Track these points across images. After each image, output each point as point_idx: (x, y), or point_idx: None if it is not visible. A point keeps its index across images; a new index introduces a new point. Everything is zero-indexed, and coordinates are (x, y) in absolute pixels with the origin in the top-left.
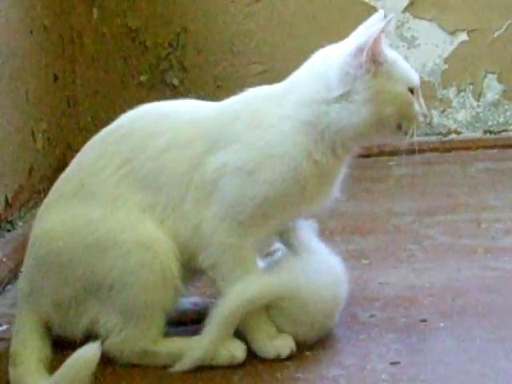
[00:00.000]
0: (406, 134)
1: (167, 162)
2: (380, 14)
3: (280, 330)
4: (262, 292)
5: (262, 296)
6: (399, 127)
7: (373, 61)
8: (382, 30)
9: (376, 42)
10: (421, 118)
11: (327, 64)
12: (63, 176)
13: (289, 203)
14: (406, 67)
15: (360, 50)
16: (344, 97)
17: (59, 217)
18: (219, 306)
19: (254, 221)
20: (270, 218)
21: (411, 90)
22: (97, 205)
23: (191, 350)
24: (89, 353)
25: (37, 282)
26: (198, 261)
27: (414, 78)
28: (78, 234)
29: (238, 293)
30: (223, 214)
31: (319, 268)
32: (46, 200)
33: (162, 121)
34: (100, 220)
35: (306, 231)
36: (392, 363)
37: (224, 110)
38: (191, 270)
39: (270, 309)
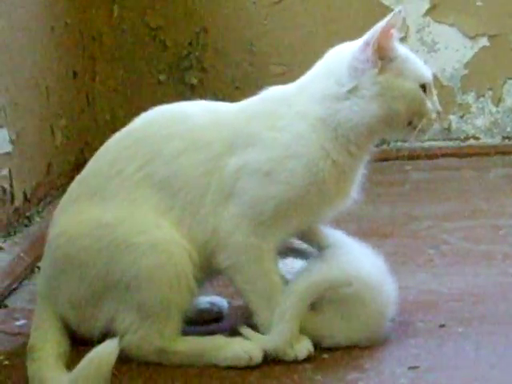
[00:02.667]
0: (414, 129)
1: (183, 166)
2: (398, 11)
3: (333, 328)
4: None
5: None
6: (410, 123)
7: (380, 55)
8: (389, 24)
9: (383, 35)
10: (433, 115)
11: (338, 60)
12: (79, 178)
13: (308, 203)
14: (418, 63)
15: (367, 43)
16: (353, 92)
17: (75, 219)
18: (287, 296)
19: (273, 222)
20: (289, 218)
21: (423, 87)
22: (113, 207)
23: (262, 343)
24: (108, 349)
25: (54, 282)
26: (217, 262)
27: (427, 75)
28: (94, 235)
29: (311, 280)
30: (242, 215)
31: (372, 265)
32: (62, 202)
33: (178, 123)
34: (116, 222)
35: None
36: (411, 368)
37: (239, 112)
38: (209, 271)
39: (326, 305)
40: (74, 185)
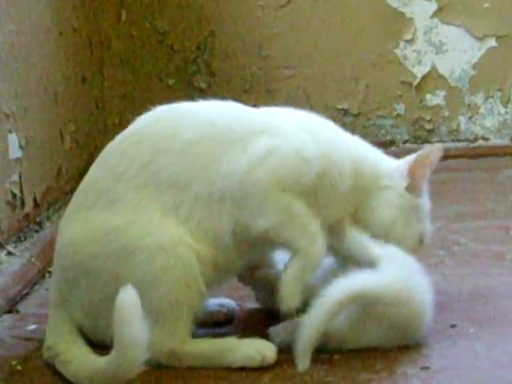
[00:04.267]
0: None
1: (196, 156)
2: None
3: (364, 329)
4: (369, 290)
5: (367, 294)
6: None
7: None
8: (426, 155)
9: (418, 163)
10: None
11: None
12: (81, 187)
13: None
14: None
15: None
16: (389, 189)
17: (81, 227)
18: (323, 297)
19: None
20: None
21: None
22: (118, 211)
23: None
24: (126, 295)
25: (65, 291)
26: (252, 230)
27: (428, 235)
28: (101, 242)
29: (347, 285)
30: (270, 174)
31: (412, 273)
32: (67, 211)
33: (185, 119)
34: (122, 226)
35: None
36: (423, 368)
37: (253, 111)
38: (228, 265)
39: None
40: (77, 194)
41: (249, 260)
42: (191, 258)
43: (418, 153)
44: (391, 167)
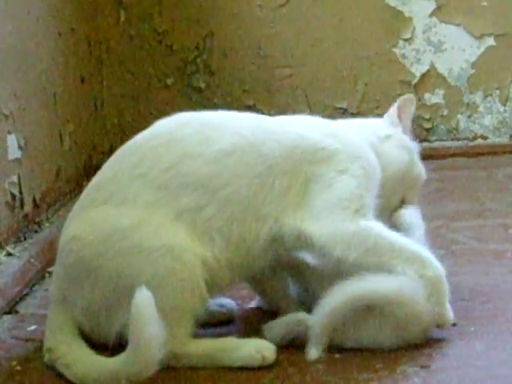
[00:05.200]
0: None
1: (232, 165)
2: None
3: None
4: (375, 292)
5: (373, 297)
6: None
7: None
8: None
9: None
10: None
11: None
12: (93, 183)
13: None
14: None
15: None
16: (390, 137)
17: (88, 224)
18: (329, 297)
19: (361, 205)
20: (370, 199)
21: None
22: (130, 210)
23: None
24: (142, 295)
25: (67, 289)
26: (334, 259)
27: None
28: (109, 239)
29: (351, 287)
30: (330, 211)
31: None
32: (75, 206)
33: (219, 127)
34: (132, 225)
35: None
36: (422, 367)
37: (291, 123)
38: (247, 271)
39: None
40: (88, 190)
41: (264, 264)
42: (196, 264)
43: (397, 103)
44: (381, 122)
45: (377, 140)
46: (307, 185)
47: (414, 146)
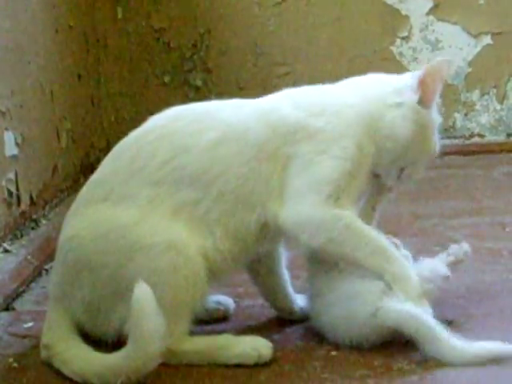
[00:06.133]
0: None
1: (221, 155)
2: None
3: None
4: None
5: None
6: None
7: (422, 90)
8: (438, 66)
9: (429, 74)
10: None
11: (394, 78)
12: (92, 180)
13: (360, 174)
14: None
15: (416, 76)
16: (400, 107)
17: (88, 221)
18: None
19: (338, 190)
20: (350, 185)
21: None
22: (130, 207)
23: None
24: (141, 290)
25: (67, 286)
26: (301, 242)
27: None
28: (109, 237)
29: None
30: (307, 192)
31: None
32: (74, 204)
33: (207, 118)
34: (132, 222)
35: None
36: (419, 364)
37: (277, 102)
38: (247, 257)
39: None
40: (87, 187)
41: (261, 252)
42: (198, 258)
43: (427, 65)
44: (400, 84)
45: (383, 107)
46: (287, 167)
47: (433, 119)
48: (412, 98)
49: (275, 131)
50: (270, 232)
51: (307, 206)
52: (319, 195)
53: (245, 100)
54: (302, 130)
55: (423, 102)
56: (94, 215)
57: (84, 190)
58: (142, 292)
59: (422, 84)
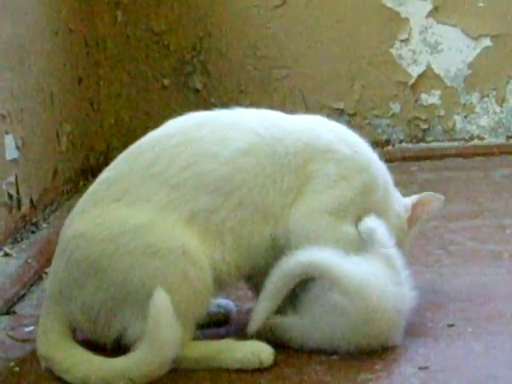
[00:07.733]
0: None
1: (245, 165)
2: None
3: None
4: (320, 264)
5: (317, 268)
6: None
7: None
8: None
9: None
10: None
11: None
12: (105, 178)
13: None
14: None
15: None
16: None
17: (97, 221)
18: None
19: (346, 211)
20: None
21: None
22: (144, 209)
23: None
24: (159, 297)
25: (67, 286)
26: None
27: None
28: (121, 239)
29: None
30: (321, 210)
31: (389, 279)
32: (81, 202)
33: (233, 128)
34: (146, 225)
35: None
36: (421, 368)
37: (309, 123)
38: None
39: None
40: (97, 185)
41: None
42: (208, 268)
43: (423, 194)
44: (402, 201)
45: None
46: (308, 183)
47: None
48: (405, 215)
49: (306, 146)
50: (277, 246)
51: (324, 222)
52: (332, 216)
53: (272, 112)
54: (331, 152)
55: (409, 220)
56: (104, 215)
57: (95, 187)
58: (161, 297)
59: (414, 208)
